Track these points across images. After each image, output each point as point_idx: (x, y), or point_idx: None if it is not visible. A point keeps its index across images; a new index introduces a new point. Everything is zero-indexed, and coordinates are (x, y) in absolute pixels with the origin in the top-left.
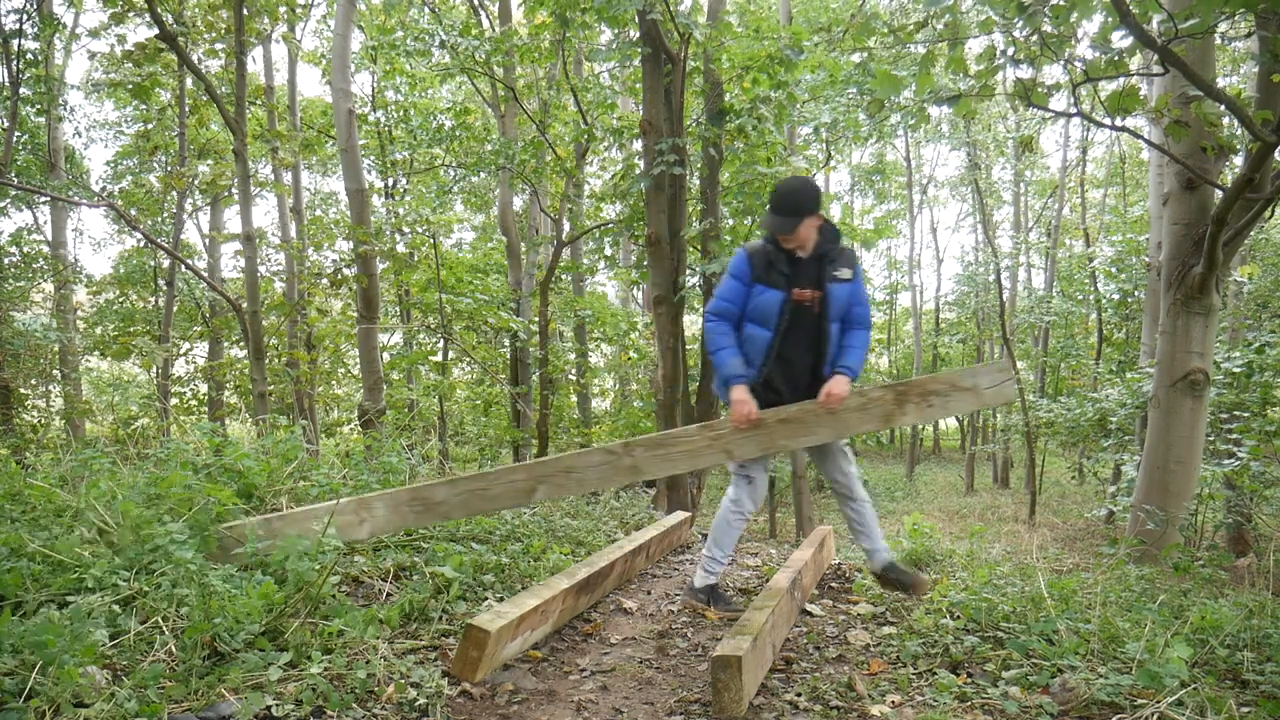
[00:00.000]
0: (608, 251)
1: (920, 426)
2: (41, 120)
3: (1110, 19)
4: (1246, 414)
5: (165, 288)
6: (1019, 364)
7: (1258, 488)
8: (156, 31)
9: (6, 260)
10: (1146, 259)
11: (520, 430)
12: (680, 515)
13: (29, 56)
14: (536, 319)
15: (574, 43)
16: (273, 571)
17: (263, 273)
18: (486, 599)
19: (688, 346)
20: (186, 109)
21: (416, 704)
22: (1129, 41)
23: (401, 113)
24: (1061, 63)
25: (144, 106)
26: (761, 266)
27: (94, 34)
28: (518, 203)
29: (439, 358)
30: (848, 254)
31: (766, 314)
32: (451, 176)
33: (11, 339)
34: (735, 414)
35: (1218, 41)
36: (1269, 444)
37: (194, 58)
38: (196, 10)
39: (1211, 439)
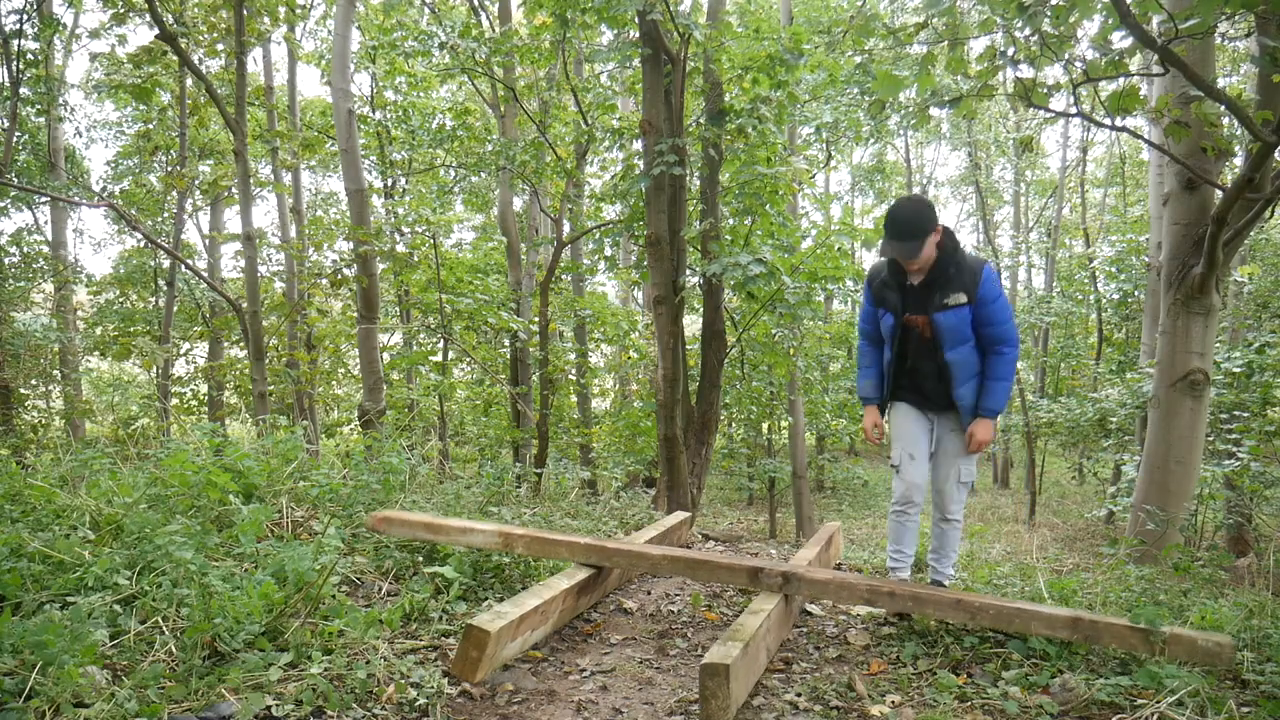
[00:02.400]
0: (608, 252)
1: None
2: (41, 120)
3: (1110, 19)
4: (1246, 414)
5: (165, 288)
6: (1019, 364)
7: (1258, 488)
8: (157, 32)
9: (7, 260)
10: (1146, 259)
11: (520, 430)
12: (680, 515)
13: (29, 57)
14: (536, 319)
15: (574, 43)
16: (273, 571)
17: (263, 273)
18: (486, 599)
19: (688, 347)
20: (187, 109)
21: (416, 704)
22: (1129, 42)
23: (401, 113)
24: (1062, 63)
25: (144, 107)
26: (878, 290)
27: (94, 34)
28: (518, 203)
29: (439, 358)
30: (966, 276)
31: (889, 337)
32: (451, 177)
33: (12, 339)
34: (864, 428)
35: (1218, 42)
36: (1269, 444)
37: (194, 58)
38: (197, 11)
39: (1211, 439)
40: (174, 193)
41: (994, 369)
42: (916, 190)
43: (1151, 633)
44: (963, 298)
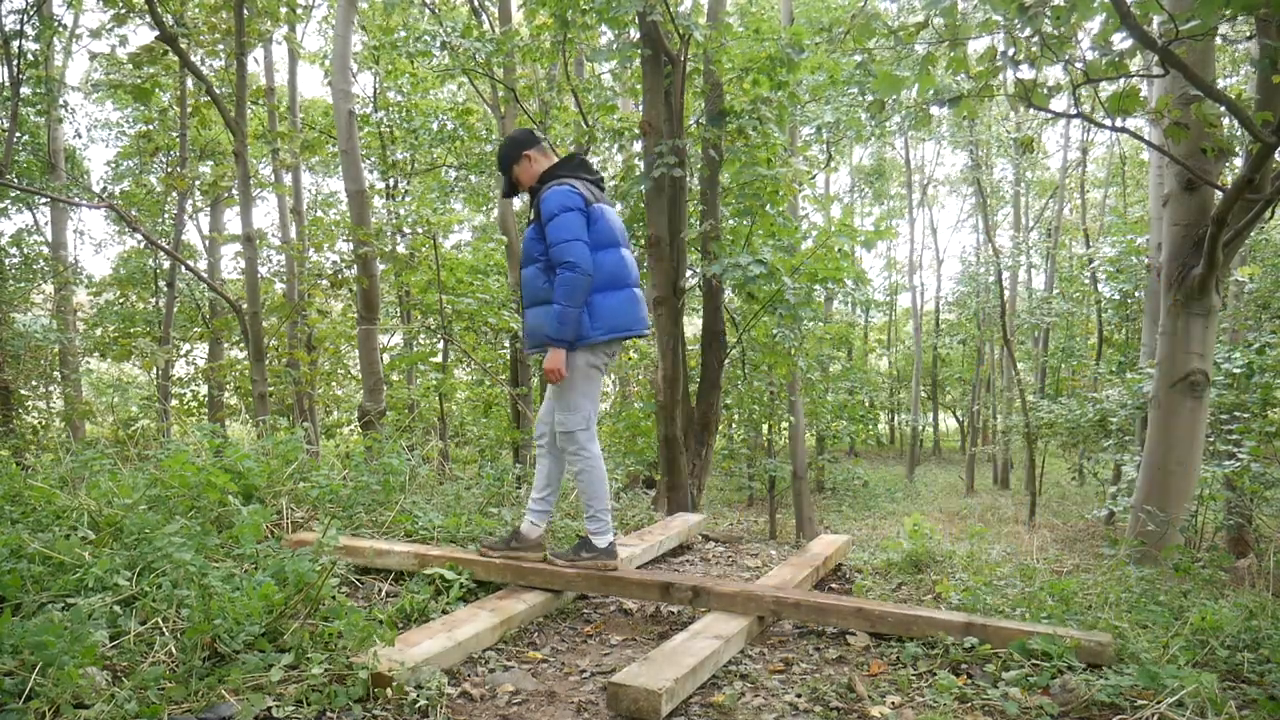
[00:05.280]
0: None
1: (921, 427)
2: (41, 121)
3: (1111, 20)
4: (1247, 415)
5: (166, 289)
6: (1019, 364)
7: (1258, 489)
8: (157, 33)
9: (7, 261)
10: (1146, 260)
11: (520, 431)
12: (694, 518)
13: (29, 57)
14: None
15: (575, 44)
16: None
17: (263, 274)
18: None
19: (689, 347)
20: (187, 110)
21: (417, 704)
22: (1129, 43)
23: (403, 113)
24: (1062, 64)
25: (144, 108)
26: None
27: (95, 34)
28: (517, 203)
29: (439, 359)
30: (541, 195)
31: None
32: (452, 177)
33: (12, 340)
34: None
35: (1218, 43)
36: (1269, 445)
37: (195, 59)
38: (197, 11)
39: (1212, 440)
40: (174, 193)
41: (552, 293)
42: (916, 191)
43: (1035, 633)
44: (536, 216)
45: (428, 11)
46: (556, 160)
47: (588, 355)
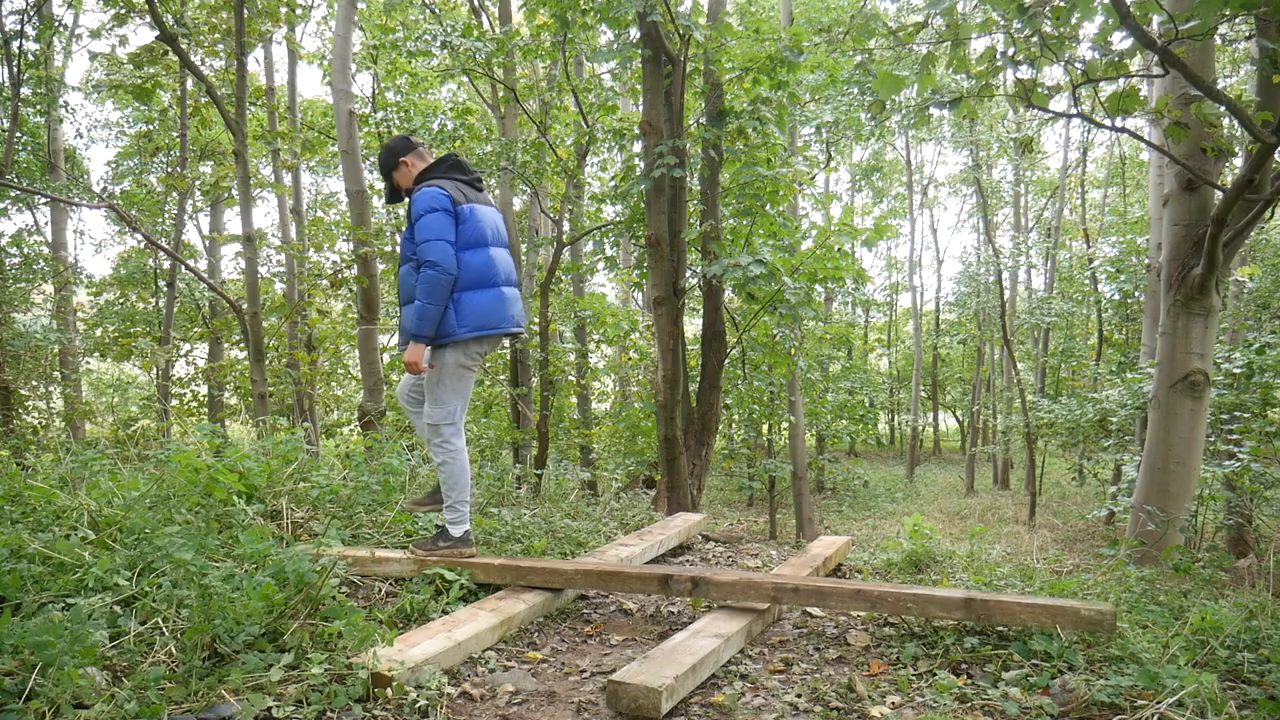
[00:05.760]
0: (608, 252)
1: (921, 427)
2: (42, 121)
3: (1110, 20)
4: (1247, 415)
5: (166, 289)
6: (1019, 364)
7: (1258, 489)
8: (157, 33)
9: (7, 262)
10: (1146, 260)
11: (520, 431)
12: (695, 518)
13: (29, 58)
14: (537, 320)
15: (575, 44)
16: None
17: (263, 274)
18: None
19: (689, 347)
20: (187, 110)
21: (417, 704)
22: (1129, 43)
23: (403, 113)
24: (1062, 64)
25: (145, 108)
26: None
27: (95, 34)
28: (518, 203)
29: None
30: (413, 198)
31: None
32: None
33: (12, 340)
34: None
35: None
36: (1269, 445)
37: (195, 59)
38: (198, 12)
39: (1212, 440)
40: (174, 194)
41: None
42: (916, 191)
43: (1035, 606)
44: (408, 217)
45: (428, 11)
46: (432, 163)
47: (457, 353)
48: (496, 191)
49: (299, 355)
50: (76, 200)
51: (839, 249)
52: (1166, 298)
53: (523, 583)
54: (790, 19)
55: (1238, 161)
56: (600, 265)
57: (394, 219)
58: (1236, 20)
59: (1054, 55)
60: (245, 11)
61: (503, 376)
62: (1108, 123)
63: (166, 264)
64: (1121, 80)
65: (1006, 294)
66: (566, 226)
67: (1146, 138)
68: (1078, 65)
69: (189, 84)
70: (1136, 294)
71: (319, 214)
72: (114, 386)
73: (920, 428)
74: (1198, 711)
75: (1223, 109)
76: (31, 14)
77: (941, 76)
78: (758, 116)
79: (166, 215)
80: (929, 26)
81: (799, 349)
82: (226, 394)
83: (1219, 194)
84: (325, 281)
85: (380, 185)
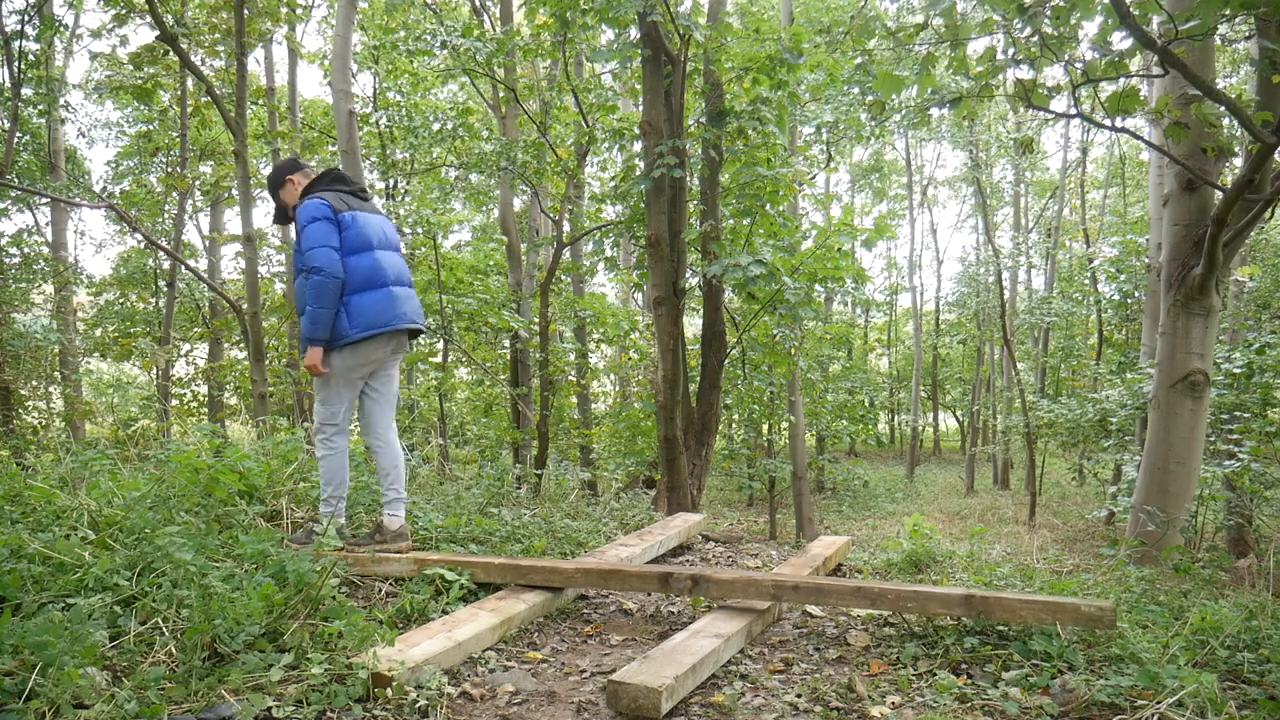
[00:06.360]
0: (608, 252)
1: (921, 427)
2: (42, 121)
3: (1110, 20)
4: (1247, 415)
5: (166, 289)
6: (1019, 364)
7: (1258, 489)
8: (158, 33)
9: (7, 262)
10: (1146, 260)
11: (520, 431)
12: (695, 518)
13: (30, 58)
14: (537, 320)
15: (575, 44)
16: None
17: (263, 274)
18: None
19: (689, 347)
20: (188, 110)
21: (417, 704)
22: (1129, 43)
23: (403, 113)
24: (1062, 64)
25: (145, 108)
26: None
27: (95, 34)
28: (518, 203)
29: (439, 358)
30: (297, 212)
31: None
32: (452, 177)
33: (12, 340)
34: None
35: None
36: (1269, 445)
37: (195, 59)
38: (198, 11)
39: (1212, 440)
40: (174, 193)
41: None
42: (916, 191)
43: (1035, 602)
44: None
45: (429, 11)
46: (314, 178)
47: (345, 357)
48: (497, 191)
49: (299, 355)
50: (77, 200)
51: (839, 249)
52: (1166, 298)
53: (523, 582)
54: (790, 19)
55: (1238, 161)
56: (600, 265)
57: (393, 219)
58: (1236, 20)
59: (1054, 55)
60: (245, 11)
61: (503, 376)
62: (1108, 123)
63: (166, 264)
64: (1121, 80)
65: (1006, 294)
66: (566, 226)
67: (1146, 138)
68: (1078, 65)
69: (189, 84)
70: (1136, 294)
71: None
72: (114, 386)
73: (920, 428)
74: (1198, 711)
75: (1223, 109)
76: (32, 14)
77: (941, 77)
78: (758, 116)
79: (166, 215)
80: (929, 28)
81: (799, 349)
82: (226, 394)
83: (1219, 194)
84: None
85: (380, 185)
